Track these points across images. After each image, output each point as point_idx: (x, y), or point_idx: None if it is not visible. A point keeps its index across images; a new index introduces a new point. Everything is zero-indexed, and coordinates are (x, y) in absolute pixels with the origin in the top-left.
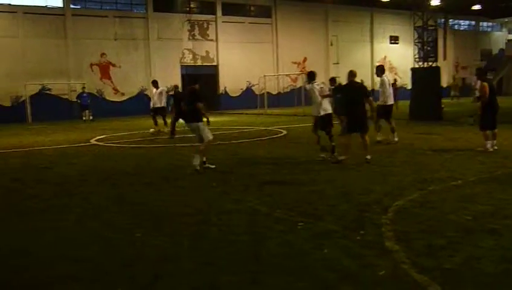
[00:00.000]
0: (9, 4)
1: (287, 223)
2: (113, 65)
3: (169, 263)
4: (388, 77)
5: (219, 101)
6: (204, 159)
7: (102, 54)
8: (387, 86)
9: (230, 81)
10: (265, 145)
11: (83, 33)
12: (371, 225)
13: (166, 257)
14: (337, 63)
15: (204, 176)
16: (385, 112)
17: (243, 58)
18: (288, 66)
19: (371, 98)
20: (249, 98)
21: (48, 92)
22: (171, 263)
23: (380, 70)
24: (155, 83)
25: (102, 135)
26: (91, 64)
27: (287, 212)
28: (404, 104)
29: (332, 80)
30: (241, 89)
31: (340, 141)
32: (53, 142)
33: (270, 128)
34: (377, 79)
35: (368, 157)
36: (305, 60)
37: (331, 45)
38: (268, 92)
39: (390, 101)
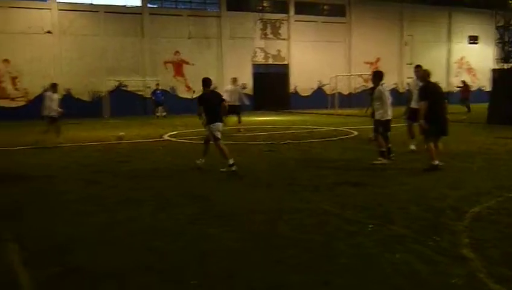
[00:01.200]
0: (91, 4)
1: (357, 224)
2: (186, 63)
3: (242, 258)
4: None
5: (289, 101)
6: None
7: (176, 52)
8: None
9: (301, 81)
10: (335, 146)
11: (159, 31)
12: (445, 230)
13: (239, 253)
14: (411, 64)
15: (274, 175)
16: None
17: (314, 58)
18: (360, 66)
19: (446, 101)
20: (319, 98)
21: (124, 88)
22: (244, 259)
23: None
24: (234, 80)
25: (175, 131)
26: (165, 62)
27: (358, 214)
28: (481, 107)
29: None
30: (312, 88)
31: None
32: (128, 137)
33: (340, 128)
34: (454, 81)
35: (440, 163)
36: (378, 60)
37: (406, 44)
38: (339, 92)
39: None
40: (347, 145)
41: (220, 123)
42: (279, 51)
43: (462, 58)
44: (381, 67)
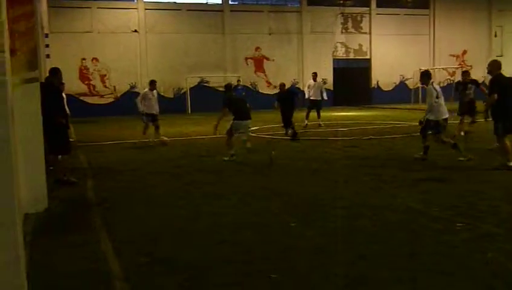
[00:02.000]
0: (175, 2)
1: (444, 222)
2: (267, 59)
3: (323, 253)
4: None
5: (371, 95)
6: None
7: (257, 48)
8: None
9: (382, 75)
10: (418, 142)
11: (240, 28)
12: None
13: (321, 248)
14: (501, 56)
15: (356, 170)
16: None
17: (396, 51)
18: (445, 59)
19: None
20: (402, 93)
21: (206, 84)
22: (326, 253)
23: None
24: (315, 75)
25: (255, 126)
26: (246, 58)
27: (444, 211)
28: None
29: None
30: (394, 83)
31: (500, 145)
32: (208, 132)
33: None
34: None
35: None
36: (464, 52)
37: (495, 36)
38: (423, 87)
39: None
40: (432, 140)
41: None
42: (360, 45)
43: None
44: (468, 60)
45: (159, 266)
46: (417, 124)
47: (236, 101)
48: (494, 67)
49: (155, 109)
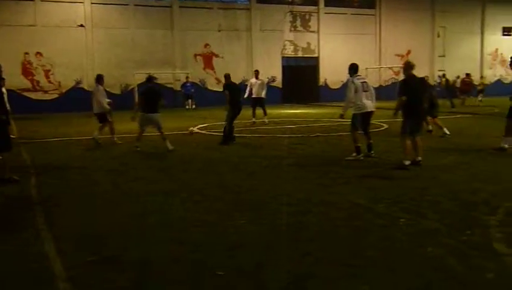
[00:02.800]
0: None
1: (388, 218)
2: (216, 56)
3: (270, 251)
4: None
5: (319, 93)
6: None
7: (206, 45)
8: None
9: (330, 73)
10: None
11: (189, 24)
12: (478, 225)
13: (268, 245)
14: (443, 56)
15: (303, 168)
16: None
17: (344, 50)
18: (391, 59)
19: (434, 93)
20: None
21: (154, 81)
22: (273, 251)
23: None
24: (257, 73)
25: (204, 123)
26: (195, 55)
27: (389, 207)
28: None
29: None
30: (342, 81)
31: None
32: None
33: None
34: (490, 72)
35: (420, 158)
36: (409, 52)
37: (438, 36)
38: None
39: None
40: (377, 138)
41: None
42: (308, 43)
43: (496, 50)
44: (413, 59)
45: (105, 264)
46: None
47: (147, 93)
48: (407, 68)
49: (102, 107)
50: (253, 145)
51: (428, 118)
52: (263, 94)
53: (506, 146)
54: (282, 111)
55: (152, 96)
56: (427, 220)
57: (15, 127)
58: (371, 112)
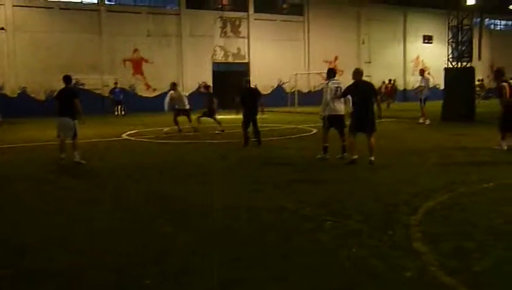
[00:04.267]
0: (46, 0)
1: (315, 221)
2: (146, 61)
3: (197, 257)
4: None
5: None
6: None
7: (135, 50)
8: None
9: (261, 79)
10: (295, 144)
11: (117, 29)
12: (399, 225)
13: (195, 251)
14: (369, 62)
15: (235, 173)
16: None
17: (274, 56)
18: (319, 65)
19: (378, 98)
20: (279, 96)
21: (81, 86)
22: (200, 257)
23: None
24: (175, 85)
25: (134, 130)
26: (124, 60)
27: (316, 211)
28: (436, 105)
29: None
30: (272, 86)
31: (346, 141)
32: (84, 136)
33: (299, 126)
34: (413, 79)
35: (373, 158)
36: (336, 58)
37: (363, 43)
38: (299, 90)
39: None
40: (306, 143)
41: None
42: (239, 49)
43: (417, 57)
44: (340, 65)
45: (25, 277)
46: (293, 126)
47: (60, 95)
48: (356, 74)
49: None
50: (182, 151)
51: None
52: (187, 105)
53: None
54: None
55: (66, 98)
56: (352, 222)
57: None
58: (342, 115)
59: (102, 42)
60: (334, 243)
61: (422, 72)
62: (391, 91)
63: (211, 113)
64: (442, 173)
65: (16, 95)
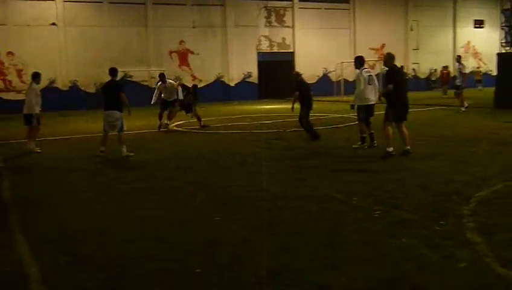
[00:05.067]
0: None
1: (363, 210)
2: (191, 52)
3: (246, 246)
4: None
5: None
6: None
7: (181, 42)
8: (362, 83)
9: (306, 68)
10: (341, 133)
11: (163, 21)
12: (450, 215)
13: (244, 240)
14: (417, 49)
15: (281, 162)
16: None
17: (319, 45)
18: (365, 53)
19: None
20: (325, 85)
21: (129, 78)
22: (249, 246)
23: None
24: (162, 76)
25: (181, 120)
26: (170, 52)
27: (363, 200)
28: (488, 91)
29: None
30: (317, 76)
31: (383, 132)
32: (133, 127)
33: (346, 115)
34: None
35: (408, 147)
36: (383, 46)
37: (411, 30)
38: (345, 79)
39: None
40: (353, 133)
41: None
42: (283, 38)
43: (468, 43)
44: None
45: (80, 265)
46: (339, 115)
47: (105, 88)
48: (389, 60)
49: (33, 108)
50: (229, 141)
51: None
52: (180, 95)
53: None
54: (258, 107)
55: (111, 92)
56: (401, 211)
57: None
58: (373, 105)
59: (148, 35)
60: (383, 233)
61: (459, 58)
62: (447, 77)
63: (188, 110)
64: (494, 161)
65: (67, 88)
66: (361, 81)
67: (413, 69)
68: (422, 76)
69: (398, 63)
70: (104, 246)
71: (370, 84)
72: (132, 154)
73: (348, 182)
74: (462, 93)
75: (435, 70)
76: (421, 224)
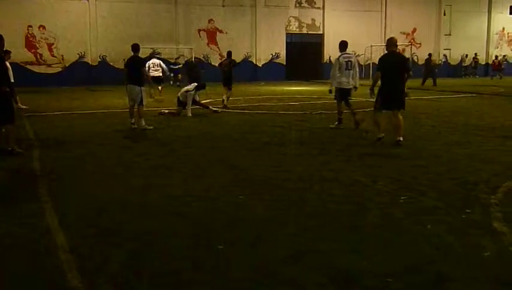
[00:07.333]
0: None
1: (388, 195)
2: (220, 31)
3: (270, 226)
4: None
5: (323, 70)
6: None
7: (210, 20)
8: (336, 67)
9: (335, 51)
10: (367, 117)
11: None
12: (477, 204)
13: (268, 220)
14: (449, 34)
15: (305, 145)
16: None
17: (349, 27)
18: (396, 36)
19: (410, 73)
20: None
21: (157, 56)
22: (272, 226)
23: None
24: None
25: (206, 99)
26: (199, 30)
27: (389, 185)
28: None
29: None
30: None
31: (373, 119)
32: (160, 105)
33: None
34: (494, 53)
35: (400, 139)
36: (414, 30)
37: (444, 15)
38: (373, 63)
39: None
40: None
41: None
42: (313, 20)
43: (503, 29)
44: (418, 37)
45: (106, 237)
46: (365, 99)
47: (128, 63)
48: (389, 44)
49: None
50: (255, 121)
51: None
52: (166, 70)
53: None
54: (286, 88)
55: (133, 66)
56: (426, 198)
57: (19, 99)
58: (349, 89)
59: (178, 12)
60: (408, 219)
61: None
62: (498, 66)
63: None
64: None
65: (96, 64)
66: (336, 66)
67: (444, 55)
68: (453, 62)
69: (429, 48)
70: (129, 220)
71: (349, 70)
72: (151, 127)
73: (373, 167)
74: None
75: (467, 56)
76: (446, 211)
